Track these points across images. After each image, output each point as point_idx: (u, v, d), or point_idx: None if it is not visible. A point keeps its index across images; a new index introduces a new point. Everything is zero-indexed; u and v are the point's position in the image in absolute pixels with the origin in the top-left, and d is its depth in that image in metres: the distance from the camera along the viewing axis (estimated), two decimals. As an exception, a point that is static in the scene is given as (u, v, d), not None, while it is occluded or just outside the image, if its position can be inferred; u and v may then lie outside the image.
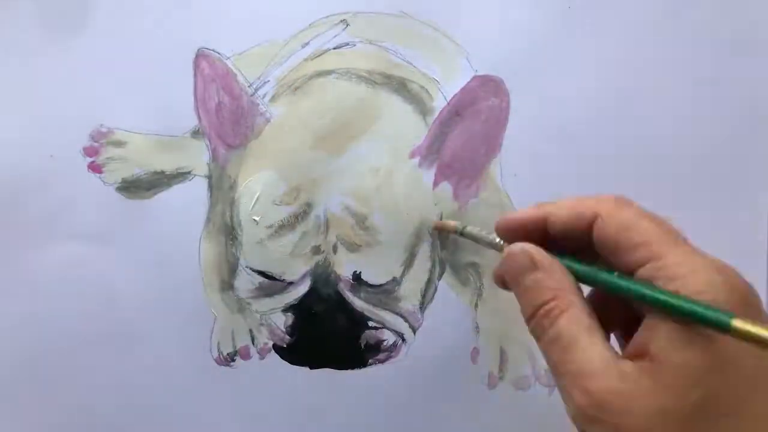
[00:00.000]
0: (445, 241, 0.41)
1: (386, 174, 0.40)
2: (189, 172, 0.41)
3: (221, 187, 0.40)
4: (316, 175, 0.40)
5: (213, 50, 0.40)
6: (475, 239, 0.34)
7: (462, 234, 0.36)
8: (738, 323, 0.23)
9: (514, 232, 0.30)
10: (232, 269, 0.40)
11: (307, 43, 0.40)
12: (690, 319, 0.25)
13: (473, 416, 0.41)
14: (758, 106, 0.40)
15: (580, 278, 0.29)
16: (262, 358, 0.41)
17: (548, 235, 0.30)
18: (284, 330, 0.41)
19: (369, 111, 0.40)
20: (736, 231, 0.41)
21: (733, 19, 0.40)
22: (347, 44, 0.40)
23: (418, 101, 0.40)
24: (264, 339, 0.41)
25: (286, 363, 0.41)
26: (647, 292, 0.26)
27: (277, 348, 0.41)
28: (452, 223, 0.37)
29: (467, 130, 0.40)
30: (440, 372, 0.41)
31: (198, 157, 0.40)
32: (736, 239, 0.41)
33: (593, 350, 0.26)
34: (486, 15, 0.40)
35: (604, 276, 0.28)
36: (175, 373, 0.41)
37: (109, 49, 0.40)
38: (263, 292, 0.40)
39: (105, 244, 0.40)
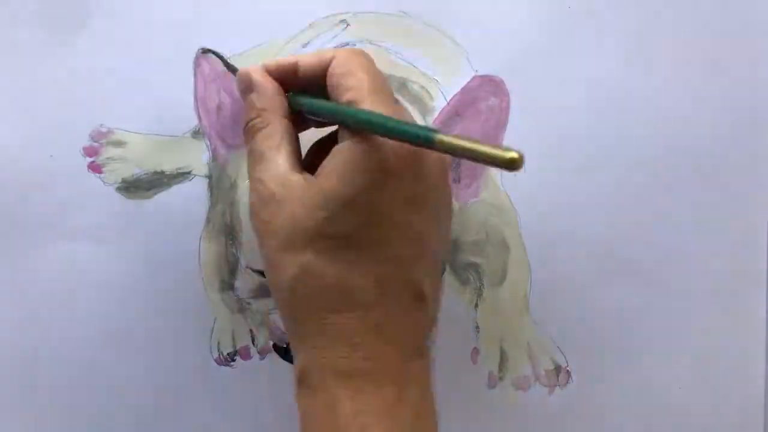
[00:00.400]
0: (445, 241, 0.41)
1: (386, 174, 0.40)
2: (189, 172, 0.41)
3: (221, 187, 0.40)
4: (316, 175, 0.40)
5: (213, 50, 0.40)
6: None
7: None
8: (442, 137, 0.26)
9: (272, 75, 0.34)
10: (232, 269, 0.40)
11: (307, 43, 0.40)
12: (398, 137, 0.27)
13: (473, 416, 0.41)
14: (758, 107, 0.41)
15: (310, 112, 0.33)
16: (262, 358, 0.41)
17: (299, 81, 0.33)
18: (284, 330, 0.41)
19: (369, 111, 0.40)
20: (736, 231, 0.41)
21: (733, 19, 0.40)
22: (347, 44, 0.40)
23: (418, 101, 0.40)
24: (264, 339, 0.41)
25: (286, 363, 0.41)
26: (361, 113, 0.29)
27: (277, 348, 0.41)
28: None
29: (467, 130, 0.40)
30: (440, 372, 0.41)
31: (198, 157, 0.40)
32: (736, 239, 0.41)
33: (273, 162, 0.31)
34: (486, 15, 0.40)
35: (321, 103, 0.32)
36: (175, 373, 0.41)
37: (109, 49, 0.40)
38: (263, 292, 0.40)
39: (105, 244, 0.40)
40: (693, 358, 0.41)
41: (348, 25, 0.40)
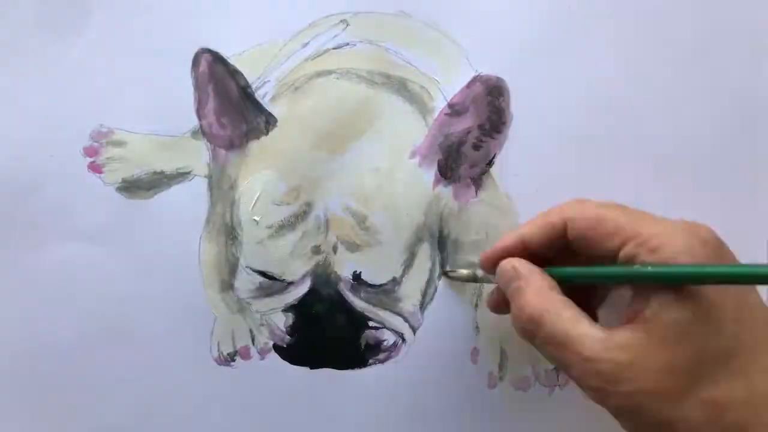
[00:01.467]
0: (445, 242, 0.41)
1: (386, 174, 0.40)
2: (189, 172, 0.41)
3: (221, 187, 0.40)
4: (316, 175, 0.40)
5: (213, 50, 0.40)
6: (463, 279, 0.39)
7: (456, 277, 0.40)
8: None
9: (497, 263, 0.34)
10: (232, 269, 0.40)
11: (307, 43, 0.40)
12: (681, 282, 0.28)
13: (473, 416, 0.41)
14: (758, 106, 0.41)
15: (574, 280, 0.32)
16: (262, 358, 0.41)
17: (529, 256, 0.34)
18: (284, 330, 0.41)
19: (369, 111, 0.40)
20: (736, 231, 0.41)
21: (733, 19, 0.40)
22: (347, 44, 0.40)
23: (418, 101, 0.40)
24: (264, 339, 0.41)
25: (286, 363, 0.41)
26: (640, 270, 0.29)
27: (277, 348, 0.41)
28: (464, 271, 0.39)
29: (467, 130, 0.40)
30: (440, 372, 0.41)
31: (198, 157, 0.40)
32: (736, 239, 0.41)
33: (586, 336, 0.29)
34: (486, 15, 0.40)
35: (597, 270, 0.31)
36: (175, 373, 0.41)
37: (109, 49, 0.40)
38: (263, 292, 0.40)
39: (105, 244, 0.40)
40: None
41: (348, 24, 0.40)
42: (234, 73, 0.40)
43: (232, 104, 0.40)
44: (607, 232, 0.31)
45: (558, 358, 0.30)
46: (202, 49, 0.40)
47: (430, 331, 0.41)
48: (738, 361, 0.28)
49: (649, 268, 0.29)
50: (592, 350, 0.29)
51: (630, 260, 0.30)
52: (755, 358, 0.28)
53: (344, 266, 0.40)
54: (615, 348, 0.28)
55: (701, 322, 0.28)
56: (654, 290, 0.29)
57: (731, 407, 0.28)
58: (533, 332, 0.31)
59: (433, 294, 0.41)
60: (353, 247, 0.40)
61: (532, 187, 0.40)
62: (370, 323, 0.40)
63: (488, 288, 0.41)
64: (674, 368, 0.28)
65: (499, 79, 0.40)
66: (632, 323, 0.29)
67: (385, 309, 0.40)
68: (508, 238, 0.34)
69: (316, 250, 0.40)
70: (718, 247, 0.30)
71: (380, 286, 0.40)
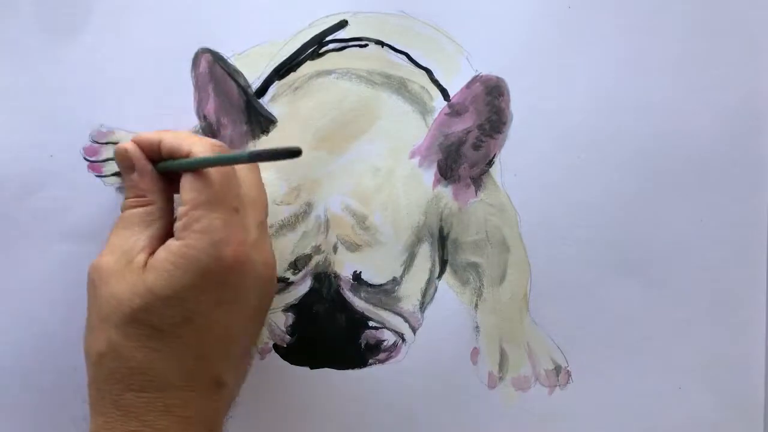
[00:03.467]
0: (445, 242, 0.41)
1: (386, 174, 0.40)
2: (189, 172, 0.40)
3: (221, 187, 0.40)
4: (316, 175, 0.40)
5: (213, 50, 0.40)
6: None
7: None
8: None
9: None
10: (232, 269, 0.40)
11: (307, 43, 0.40)
12: (209, 164, 0.32)
13: (473, 416, 0.41)
14: (758, 106, 0.41)
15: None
16: (262, 358, 0.41)
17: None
18: (284, 330, 0.41)
19: (369, 111, 0.40)
20: (736, 231, 0.41)
21: (733, 19, 0.40)
22: (347, 44, 0.40)
23: (418, 101, 0.40)
24: (264, 339, 0.41)
25: (286, 363, 0.41)
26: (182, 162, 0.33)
27: (277, 348, 0.41)
28: None
29: (467, 130, 0.40)
30: (440, 372, 0.41)
31: (198, 157, 0.40)
32: (736, 239, 0.41)
33: (132, 239, 0.33)
34: (486, 15, 0.40)
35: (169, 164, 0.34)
36: (175, 373, 0.41)
37: (109, 49, 0.40)
38: (122, 209, 0.40)
39: (105, 244, 0.40)
40: (693, 358, 0.41)
41: (348, 24, 0.40)
42: (234, 73, 0.40)
43: (232, 104, 0.40)
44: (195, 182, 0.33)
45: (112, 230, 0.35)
46: (202, 49, 0.40)
47: (430, 331, 0.41)
48: (161, 342, 0.32)
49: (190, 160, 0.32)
50: (120, 245, 0.34)
51: (179, 216, 0.32)
52: (180, 349, 0.32)
53: (344, 266, 0.40)
54: (123, 255, 0.33)
55: (160, 299, 0.31)
56: (164, 248, 0.32)
57: (125, 361, 0.32)
58: (127, 208, 0.35)
59: (433, 294, 0.41)
60: (353, 246, 0.40)
61: (532, 187, 0.40)
62: (370, 323, 0.40)
63: (489, 288, 0.41)
64: (117, 303, 0.32)
65: (499, 79, 0.40)
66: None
67: (385, 309, 0.40)
68: (154, 134, 0.35)
69: (317, 249, 0.40)
70: (227, 273, 0.32)
71: (380, 286, 0.40)
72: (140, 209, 0.34)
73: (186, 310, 0.31)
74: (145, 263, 0.32)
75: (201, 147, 0.33)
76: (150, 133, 0.35)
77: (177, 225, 0.32)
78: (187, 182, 0.32)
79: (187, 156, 0.33)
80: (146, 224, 0.34)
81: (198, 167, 0.32)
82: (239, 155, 0.32)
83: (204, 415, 0.33)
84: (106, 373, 0.32)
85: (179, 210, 0.32)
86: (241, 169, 0.34)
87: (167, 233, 0.33)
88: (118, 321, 0.31)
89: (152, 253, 0.32)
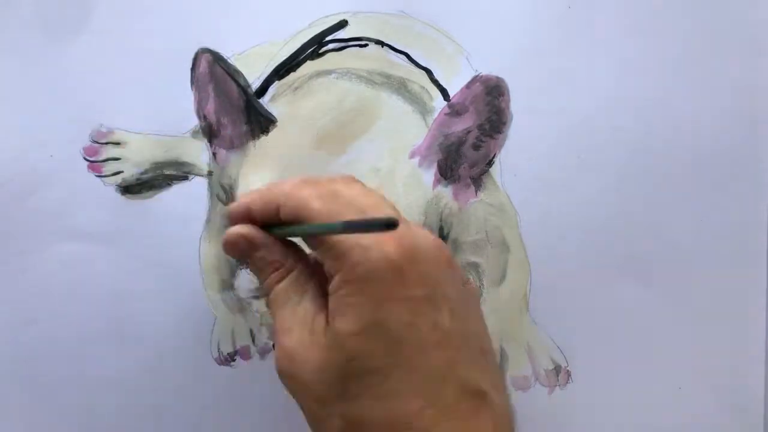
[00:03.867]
0: (445, 242, 0.41)
1: (386, 174, 0.40)
2: (189, 172, 0.41)
3: (221, 187, 0.40)
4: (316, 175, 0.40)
5: (213, 50, 0.40)
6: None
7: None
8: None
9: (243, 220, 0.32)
10: (232, 269, 0.40)
11: (307, 43, 0.40)
12: (357, 229, 0.27)
13: (473, 416, 0.41)
14: (758, 106, 0.40)
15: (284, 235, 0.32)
16: (262, 358, 0.41)
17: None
18: None
19: (369, 111, 0.40)
20: (736, 231, 0.41)
21: (733, 19, 0.40)
22: (347, 44, 0.40)
23: (418, 101, 0.40)
24: (264, 339, 0.41)
25: (286, 363, 0.41)
26: (318, 228, 0.29)
27: (277, 348, 0.41)
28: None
29: (467, 130, 0.40)
30: (440, 372, 0.41)
31: (198, 157, 0.40)
32: (736, 239, 0.41)
33: (301, 306, 0.29)
34: (486, 15, 0.40)
35: (291, 229, 0.31)
36: (175, 373, 0.41)
37: (109, 49, 0.40)
38: (263, 291, 0.40)
39: (105, 244, 0.40)
40: (693, 358, 0.41)
41: (348, 24, 0.40)
42: (234, 73, 0.40)
43: (232, 104, 0.40)
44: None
45: (272, 322, 0.31)
46: (202, 49, 0.40)
47: (430, 331, 0.41)
48: (387, 382, 0.27)
49: (324, 225, 0.28)
50: (293, 321, 0.29)
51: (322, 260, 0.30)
52: (408, 377, 0.27)
53: (344, 266, 0.40)
54: (309, 328, 0.29)
55: (358, 337, 0.27)
56: (333, 292, 0.28)
57: (368, 427, 0.27)
58: (267, 295, 0.32)
59: (433, 294, 0.41)
60: (353, 247, 0.40)
61: (532, 187, 0.40)
62: (370, 323, 0.40)
63: (489, 288, 0.41)
64: (324, 374, 0.27)
65: (499, 79, 0.40)
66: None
67: (385, 309, 0.40)
68: (242, 204, 0.32)
69: (316, 250, 0.40)
70: (404, 263, 0.28)
71: (380, 286, 0.40)
72: (286, 280, 0.31)
73: (388, 329, 0.27)
74: (326, 321, 0.28)
75: (316, 206, 0.29)
76: (240, 205, 0.32)
77: (326, 266, 0.29)
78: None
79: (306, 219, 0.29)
80: (302, 290, 0.30)
81: (304, 234, 0.30)
82: (333, 226, 0.28)
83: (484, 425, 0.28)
84: None
85: (317, 253, 0.30)
86: None
87: (320, 285, 0.30)
88: (337, 390, 0.27)
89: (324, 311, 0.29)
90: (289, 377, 0.29)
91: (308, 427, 0.30)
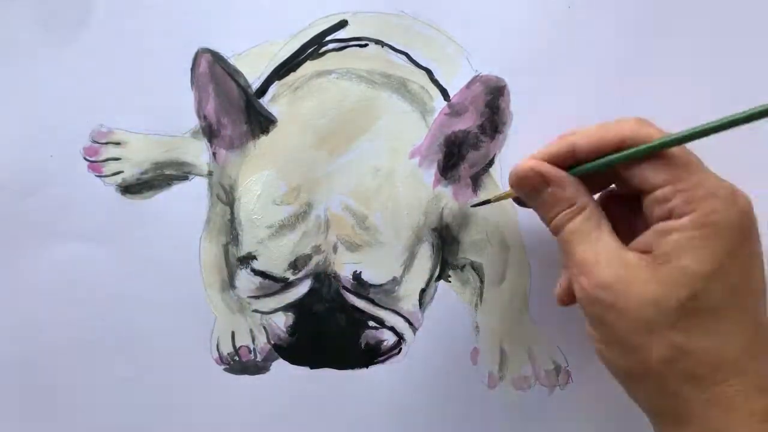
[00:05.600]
0: (445, 242, 0.41)
1: (387, 174, 0.40)
2: (189, 172, 0.41)
3: (221, 186, 0.40)
4: (316, 175, 0.40)
5: (213, 50, 0.40)
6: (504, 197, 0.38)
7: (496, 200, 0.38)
8: None
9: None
10: (232, 269, 0.40)
11: (307, 43, 0.40)
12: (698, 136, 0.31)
13: (473, 416, 0.41)
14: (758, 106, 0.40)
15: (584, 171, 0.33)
16: (262, 358, 0.41)
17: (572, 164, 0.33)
18: (284, 330, 0.41)
19: (369, 111, 0.40)
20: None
21: (733, 19, 0.40)
22: (347, 44, 0.40)
23: (418, 101, 0.40)
24: (264, 339, 0.41)
25: (287, 363, 0.41)
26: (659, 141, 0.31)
27: (277, 348, 0.41)
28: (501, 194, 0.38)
29: (467, 130, 0.40)
30: (440, 372, 0.41)
31: (198, 157, 0.40)
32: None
33: (603, 241, 0.31)
34: (486, 15, 0.40)
35: (610, 157, 0.32)
36: (175, 373, 0.41)
37: (109, 49, 0.40)
38: (263, 292, 0.40)
39: (105, 244, 0.40)
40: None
41: (348, 24, 0.40)
42: (234, 73, 0.40)
43: (232, 104, 0.40)
44: (656, 164, 0.31)
45: (570, 251, 0.32)
46: (202, 49, 0.40)
47: (430, 331, 0.41)
48: (721, 322, 0.30)
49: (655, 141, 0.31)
50: (601, 253, 0.31)
51: (662, 201, 0.30)
52: (738, 320, 0.30)
53: (344, 266, 0.40)
54: (621, 260, 0.31)
55: (708, 278, 0.29)
56: (674, 230, 0.30)
57: (692, 357, 0.29)
58: (562, 226, 0.33)
59: (433, 294, 0.41)
60: (353, 246, 0.40)
61: (532, 187, 0.40)
62: (370, 323, 0.40)
63: (489, 288, 0.41)
64: (660, 305, 0.29)
65: (499, 79, 0.40)
66: (645, 252, 0.31)
67: (385, 309, 0.40)
68: (556, 145, 0.34)
69: (316, 249, 0.40)
70: (751, 221, 0.30)
71: (380, 286, 0.40)
72: (582, 216, 0.32)
73: (730, 279, 0.29)
74: (641, 259, 0.30)
75: (630, 130, 0.31)
76: (545, 148, 0.34)
77: (673, 204, 0.30)
78: (648, 166, 0.31)
79: (620, 146, 0.31)
80: (598, 226, 0.32)
81: (616, 162, 0.31)
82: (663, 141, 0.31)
83: None
84: (680, 377, 0.30)
85: (659, 193, 0.31)
86: None
87: (613, 226, 0.32)
88: (671, 320, 0.29)
89: (628, 248, 0.31)
90: (606, 305, 0.30)
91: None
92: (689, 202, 0.30)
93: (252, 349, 0.41)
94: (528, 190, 0.33)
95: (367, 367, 0.41)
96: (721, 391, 0.29)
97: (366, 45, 0.40)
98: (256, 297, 0.41)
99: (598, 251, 0.31)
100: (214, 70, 0.40)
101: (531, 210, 0.37)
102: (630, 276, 0.30)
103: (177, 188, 0.40)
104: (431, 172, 0.40)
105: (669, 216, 0.30)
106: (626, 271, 0.30)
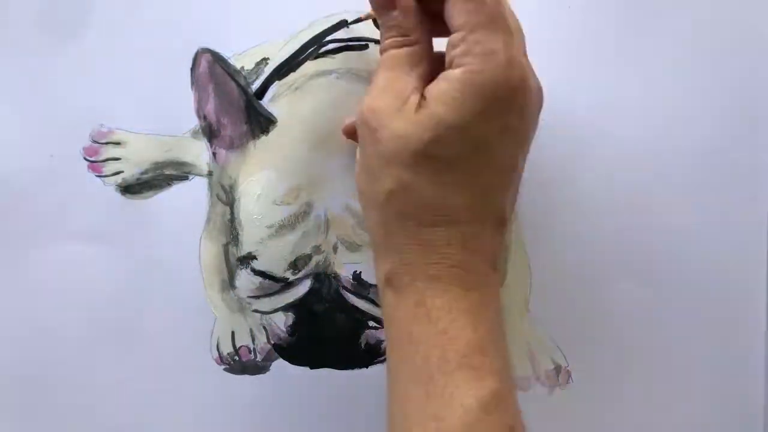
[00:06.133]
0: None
1: (386, 174, 0.40)
2: (189, 172, 0.41)
3: (221, 187, 0.40)
4: (316, 175, 0.40)
5: (213, 50, 0.40)
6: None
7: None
8: None
9: None
10: (232, 269, 0.40)
11: (307, 43, 0.40)
12: None
13: (473, 416, 0.41)
14: (758, 106, 0.41)
15: None
16: (262, 358, 0.41)
17: None
18: (284, 330, 0.41)
19: (369, 111, 0.40)
20: (736, 231, 0.41)
21: (733, 19, 0.40)
22: (347, 44, 0.40)
23: (418, 101, 0.40)
24: (264, 339, 0.41)
25: (286, 363, 0.41)
26: None
27: (277, 348, 0.41)
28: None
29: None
30: (440, 372, 0.41)
31: (198, 157, 0.40)
32: (737, 239, 0.41)
33: (407, 77, 0.31)
34: (486, 15, 0.40)
35: None
36: (175, 373, 0.41)
37: (109, 49, 0.40)
38: (263, 292, 0.40)
39: (105, 244, 0.40)
40: (693, 359, 0.41)
41: (348, 24, 0.40)
42: (234, 73, 0.40)
43: (232, 104, 0.40)
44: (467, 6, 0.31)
45: (377, 72, 0.33)
46: (202, 49, 0.40)
47: (430, 331, 0.41)
48: (449, 174, 0.30)
49: None
50: (391, 86, 0.31)
51: (450, 46, 0.31)
52: (466, 181, 0.31)
53: (344, 266, 0.40)
54: (400, 100, 0.31)
55: (449, 127, 0.30)
56: (445, 80, 0.30)
57: (411, 196, 0.31)
58: (388, 48, 0.33)
59: (433, 294, 0.41)
60: (353, 246, 0.40)
61: (532, 187, 0.40)
62: (370, 323, 0.40)
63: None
64: (406, 141, 0.30)
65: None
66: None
67: (385, 309, 0.40)
68: None
69: (317, 249, 0.40)
70: (515, 96, 0.31)
71: (380, 286, 0.40)
72: (406, 49, 0.32)
73: (474, 138, 0.30)
74: (418, 103, 0.31)
75: None
76: None
77: (454, 53, 0.30)
78: (458, 5, 0.30)
79: None
80: (413, 64, 0.32)
81: None
82: None
83: (491, 253, 0.32)
84: (395, 211, 0.31)
85: (453, 37, 0.30)
86: None
87: (431, 74, 0.32)
88: (408, 158, 0.30)
89: (422, 93, 0.31)
90: (370, 129, 0.31)
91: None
92: (466, 55, 0.30)
93: (252, 349, 0.41)
94: (377, 6, 0.33)
95: (367, 367, 0.41)
96: (429, 233, 0.31)
97: (366, 45, 0.40)
98: (256, 297, 0.41)
99: (394, 81, 0.31)
100: (214, 70, 0.40)
101: (531, 210, 0.37)
102: (397, 110, 0.31)
103: (177, 188, 0.40)
104: (431, 172, 0.40)
105: (450, 64, 0.30)
106: (397, 105, 0.31)
